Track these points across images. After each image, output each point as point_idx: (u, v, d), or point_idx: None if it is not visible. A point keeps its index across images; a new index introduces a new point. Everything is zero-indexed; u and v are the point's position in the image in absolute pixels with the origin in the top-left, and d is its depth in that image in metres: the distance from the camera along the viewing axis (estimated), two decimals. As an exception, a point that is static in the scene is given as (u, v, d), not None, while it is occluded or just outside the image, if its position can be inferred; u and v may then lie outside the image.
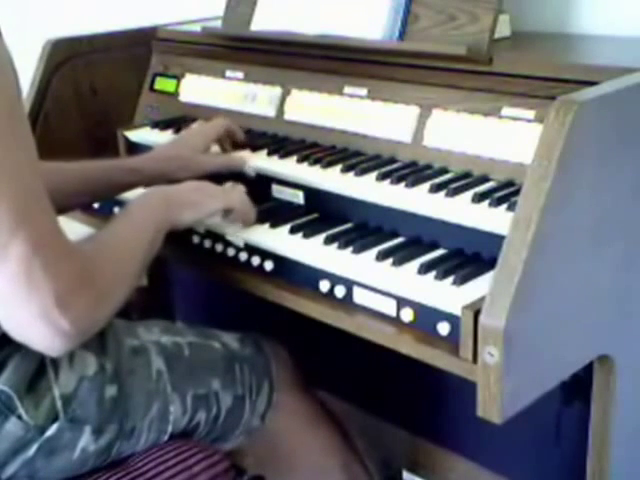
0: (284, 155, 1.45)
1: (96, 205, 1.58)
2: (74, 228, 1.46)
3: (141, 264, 1.14)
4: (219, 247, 1.32)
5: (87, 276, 1.01)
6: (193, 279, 1.93)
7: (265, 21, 1.61)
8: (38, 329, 0.97)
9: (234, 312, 1.67)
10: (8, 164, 0.94)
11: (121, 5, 2.49)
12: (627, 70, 1.15)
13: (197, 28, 1.74)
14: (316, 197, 1.37)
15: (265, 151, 1.48)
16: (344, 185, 1.33)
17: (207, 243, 1.34)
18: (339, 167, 1.37)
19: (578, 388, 1.30)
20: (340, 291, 1.17)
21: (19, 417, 1.09)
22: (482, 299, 0.99)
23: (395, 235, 1.27)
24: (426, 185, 1.27)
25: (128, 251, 1.12)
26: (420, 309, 1.09)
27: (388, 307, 1.12)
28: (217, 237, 1.33)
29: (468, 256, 1.19)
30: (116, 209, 1.53)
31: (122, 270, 1.10)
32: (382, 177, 1.31)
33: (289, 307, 1.24)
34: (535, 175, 0.97)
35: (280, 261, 1.25)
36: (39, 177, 0.99)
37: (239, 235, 1.29)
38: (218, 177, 1.40)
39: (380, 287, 1.13)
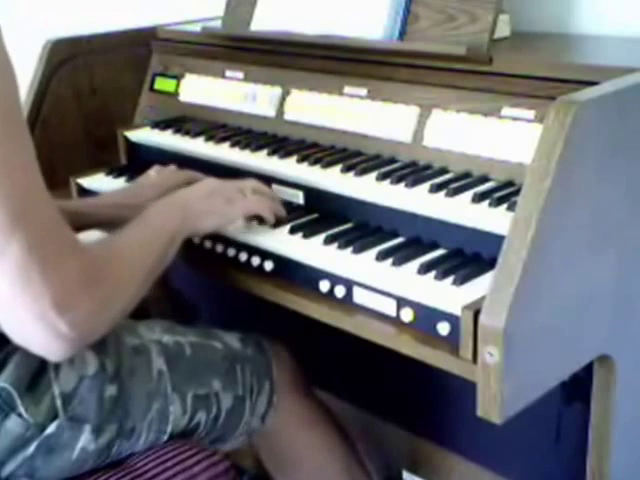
0: (284, 155, 1.45)
1: None
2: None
3: (151, 271, 1.13)
4: (219, 247, 1.32)
5: (91, 278, 1.00)
6: (195, 279, 1.93)
7: (265, 21, 1.61)
8: (36, 331, 0.97)
9: (235, 312, 1.67)
10: (3, 166, 0.94)
11: (121, 5, 2.49)
12: (627, 70, 1.15)
13: (197, 28, 1.74)
14: (316, 197, 1.37)
15: (265, 151, 1.48)
16: (344, 185, 1.33)
17: (208, 244, 1.34)
18: (339, 167, 1.37)
19: (578, 388, 1.29)
20: (340, 291, 1.17)
21: (19, 415, 1.09)
22: (482, 299, 0.99)
23: (395, 235, 1.27)
24: (426, 185, 1.27)
25: (139, 257, 1.12)
26: (420, 309, 1.09)
27: (388, 307, 1.12)
28: (218, 237, 1.33)
29: (468, 256, 1.19)
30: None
31: (130, 275, 1.09)
32: (382, 177, 1.31)
33: (289, 307, 1.24)
34: (535, 175, 0.97)
35: (280, 261, 1.25)
36: (38, 179, 0.98)
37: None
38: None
39: (380, 287, 1.13)
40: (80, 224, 1.38)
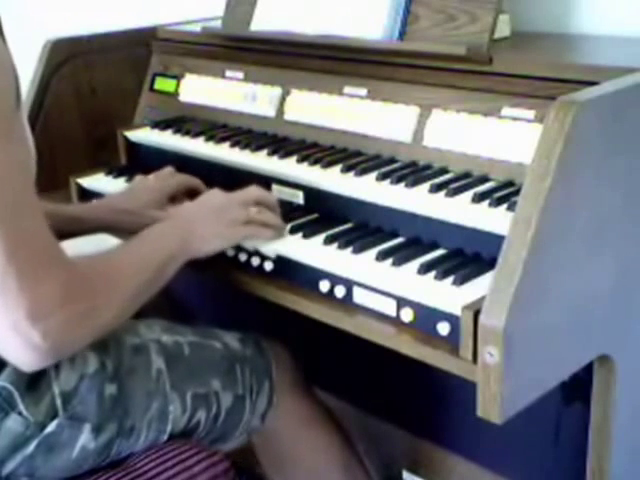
0: (284, 155, 1.45)
1: None
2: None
3: (144, 289, 1.13)
4: (219, 247, 1.32)
5: (71, 292, 0.99)
6: (194, 279, 1.93)
7: (265, 21, 1.61)
8: (8, 340, 0.96)
9: (235, 312, 1.67)
10: None
11: (121, 5, 2.49)
12: (627, 70, 1.15)
13: (197, 28, 1.74)
14: (316, 197, 1.37)
15: (265, 151, 1.48)
16: (344, 185, 1.33)
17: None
18: (339, 167, 1.37)
19: (578, 388, 1.29)
20: (340, 291, 1.17)
21: (19, 413, 1.09)
22: (482, 299, 0.99)
23: (395, 235, 1.27)
24: (426, 185, 1.27)
25: (133, 274, 1.11)
26: (420, 309, 1.09)
27: (388, 307, 1.12)
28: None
29: (468, 256, 1.19)
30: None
31: (120, 292, 1.08)
32: (382, 177, 1.31)
33: (289, 307, 1.24)
34: (535, 175, 0.97)
35: (280, 261, 1.25)
36: (26, 185, 0.98)
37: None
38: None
39: (380, 287, 1.13)
40: (78, 229, 1.38)
